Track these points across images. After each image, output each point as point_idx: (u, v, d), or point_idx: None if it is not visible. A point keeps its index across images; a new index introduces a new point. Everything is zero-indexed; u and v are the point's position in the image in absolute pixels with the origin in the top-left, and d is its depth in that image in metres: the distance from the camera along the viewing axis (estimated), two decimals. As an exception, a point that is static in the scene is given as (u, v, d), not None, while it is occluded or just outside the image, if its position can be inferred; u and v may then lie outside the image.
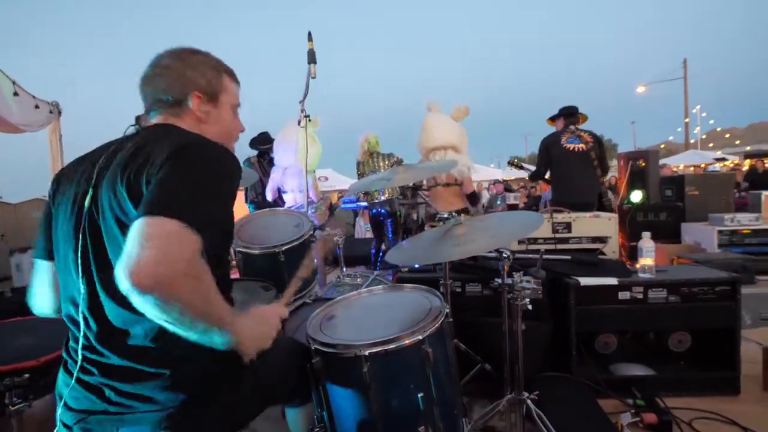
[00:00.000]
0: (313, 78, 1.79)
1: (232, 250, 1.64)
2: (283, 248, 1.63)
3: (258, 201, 4.14)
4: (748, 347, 2.06)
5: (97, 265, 0.83)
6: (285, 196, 3.56)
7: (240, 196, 4.52)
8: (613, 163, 7.99)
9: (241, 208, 4.37)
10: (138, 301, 0.66)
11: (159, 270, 0.64)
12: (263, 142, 4.21)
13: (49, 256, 0.94)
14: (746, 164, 12.23)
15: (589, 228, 2.60)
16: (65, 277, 0.88)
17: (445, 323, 1.20)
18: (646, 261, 2.05)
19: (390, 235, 5.16)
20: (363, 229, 8.17)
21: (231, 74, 1.05)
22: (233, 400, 0.91)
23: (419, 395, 1.07)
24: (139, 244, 0.66)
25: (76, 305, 0.86)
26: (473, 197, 3.13)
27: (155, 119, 0.98)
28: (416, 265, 2.32)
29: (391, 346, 1.05)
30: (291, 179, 3.47)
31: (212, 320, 0.73)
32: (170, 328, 0.71)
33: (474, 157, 3.42)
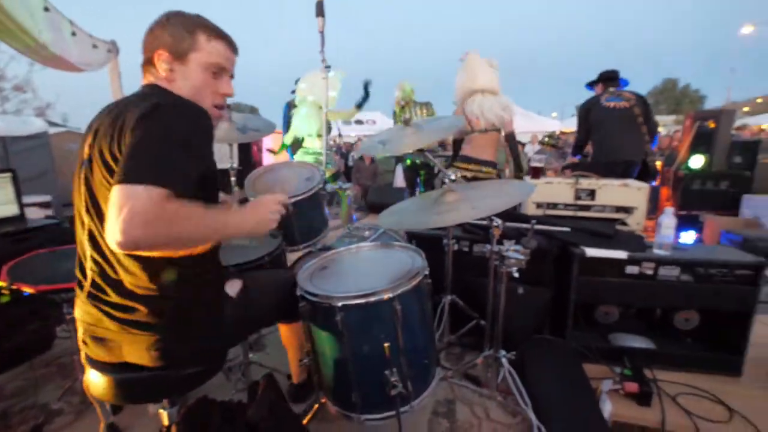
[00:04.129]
0: (320, 32, 1.77)
1: (248, 199, 1.81)
2: (292, 200, 1.76)
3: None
4: (764, 329, 1.98)
5: (95, 213, 0.93)
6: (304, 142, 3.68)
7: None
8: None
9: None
10: (128, 253, 0.85)
11: (134, 232, 0.75)
12: None
13: None
14: None
15: (615, 197, 2.48)
16: (77, 219, 1.01)
17: (423, 283, 1.30)
18: (663, 237, 1.97)
19: (421, 187, 5.13)
20: (401, 178, 8.17)
21: (210, 34, 1.01)
22: (217, 327, 1.05)
23: (386, 345, 1.20)
24: (114, 211, 0.76)
25: (82, 245, 0.99)
26: (511, 138, 2.98)
27: (144, 79, 1.04)
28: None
29: (362, 300, 1.18)
30: (307, 122, 3.60)
31: (206, 234, 0.89)
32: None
33: (533, 106, 3.29)
